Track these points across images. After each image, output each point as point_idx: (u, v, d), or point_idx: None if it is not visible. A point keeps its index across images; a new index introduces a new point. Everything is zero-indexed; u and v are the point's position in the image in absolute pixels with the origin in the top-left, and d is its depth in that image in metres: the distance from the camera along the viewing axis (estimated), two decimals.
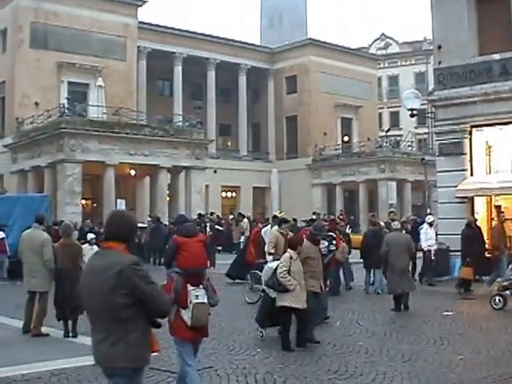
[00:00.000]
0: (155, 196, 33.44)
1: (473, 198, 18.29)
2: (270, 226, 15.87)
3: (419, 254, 17.23)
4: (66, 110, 31.13)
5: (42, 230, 10.98)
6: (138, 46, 41.47)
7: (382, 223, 18.37)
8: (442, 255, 17.56)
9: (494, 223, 17.66)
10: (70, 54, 36.86)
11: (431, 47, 23.97)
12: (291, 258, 9.13)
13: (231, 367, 7.96)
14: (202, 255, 6.44)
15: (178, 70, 45.09)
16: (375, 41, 67.28)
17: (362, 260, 16.63)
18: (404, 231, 16.11)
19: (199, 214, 27.39)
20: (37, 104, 34.79)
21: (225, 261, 22.10)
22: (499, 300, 12.66)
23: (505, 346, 9.12)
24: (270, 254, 12.36)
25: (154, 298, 4.11)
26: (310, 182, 45.79)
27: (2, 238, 18.85)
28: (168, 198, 33.94)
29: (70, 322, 10.10)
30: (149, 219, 28.10)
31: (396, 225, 14.45)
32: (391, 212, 22.49)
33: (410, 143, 46.92)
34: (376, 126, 53.54)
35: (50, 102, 33.85)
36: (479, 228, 16.71)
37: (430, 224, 17.42)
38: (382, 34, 67.77)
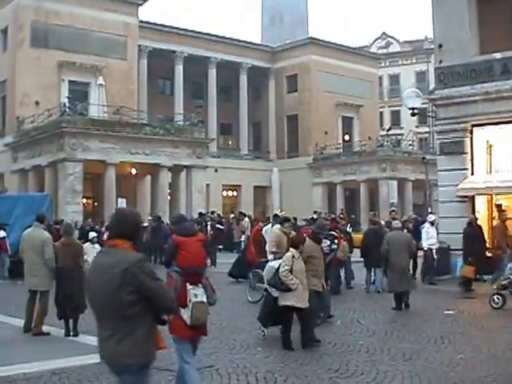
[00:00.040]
0: (156, 195, 33.47)
1: (473, 197, 18.29)
2: (270, 224, 15.88)
3: (420, 253, 17.24)
4: (67, 109, 31.16)
5: (43, 229, 10.98)
6: (139, 45, 41.46)
7: (383, 222, 18.36)
8: (442, 254, 17.57)
9: (494, 222, 17.67)
10: (70, 52, 36.87)
11: (432, 46, 23.93)
12: (293, 257, 9.13)
13: (232, 366, 7.96)
14: (201, 254, 6.46)
15: (179, 69, 45.10)
16: (376, 40, 67.23)
17: (362, 259, 16.64)
18: (406, 230, 16.11)
19: (200, 213, 27.39)
20: (37, 103, 34.82)
21: (226, 260, 22.12)
22: (498, 299, 12.67)
23: (505, 345, 9.11)
24: (273, 252, 12.35)
25: (159, 294, 4.14)
26: (311, 181, 45.79)
27: (3, 237, 18.88)
28: (169, 197, 33.98)
29: (70, 321, 10.11)
30: (150, 218, 28.09)
31: (396, 223, 14.44)
32: (392, 211, 22.49)
33: (410, 142, 46.88)
34: (377, 124, 53.54)
35: (50, 101, 33.89)
36: (480, 227, 16.72)
37: (432, 223, 17.42)
38: (383, 33, 67.72)
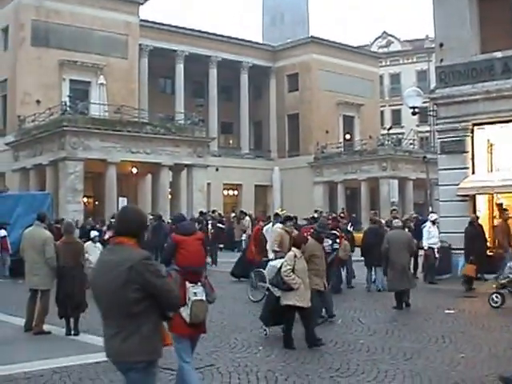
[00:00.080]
0: (157, 194, 33.47)
1: (474, 196, 18.27)
2: (271, 224, 15.89)
3: (421, 252, 17.23)
4: (68, 108, 31.16)
5: (44, 227, 10.98)
6: (140, 44, 41.47)
7: (383, 221, 18.36)
8: (444, 253, 17.56)
9: (496, 221, 17.66)
10: (71, 51, 36.89)
11: (433, 45, 23.94)
12: (295, 256, 9.13)
13: (233, 365, 7.97)
14: (200, 253, 6.48)
15: (180, 68, 45.10)
16: (377, 39, 67.22)
17: (362, 258, 16.64)
18: (407, 229, 16.10)
19: (201, 212, 27.38)
20: (38, 102, 34.83)
21: (226, 259, 22.14)
22: (497, 297, 12.67)
23: (506, 344, 9.11)
24: (275, 251, 12.35)
25: (165, 291, 4.15)
26: (312, 180, 45.78)
27: (4, 236, 18.89)
28: (170, 196, 33.96)
29: (71, 320, 10.12)
30: (150, 217, 28.07)
31: (397, 222, 14.43)
32: (393, 210, 22.45)
33: (411, 141, 46.89)
34: (378, 124, 53.52)
35: (51, 100, 33.89)
36: (481, 226, 16.71)
37: (433, 222, 17.41)
38: (384, 32, 67.69)
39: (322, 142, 46.13)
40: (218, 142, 45.30)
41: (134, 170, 33.53)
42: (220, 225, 27.58)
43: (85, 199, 32.16)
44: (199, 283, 6.17)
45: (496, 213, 18.07)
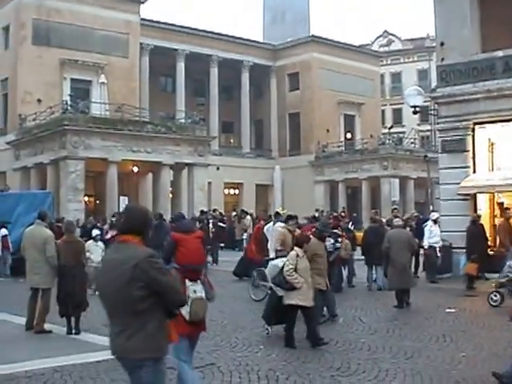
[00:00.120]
0: (158, 193, 33.47)
1: (475, 195, 18.27)
2: (272, 223, 15.88)
3: (422, 251, 17.23)
4: (69, 107, 31.13)
5: (45, 226, 10.98)
6: (141, 43, 41.43)
7: (384, 220, 18.36)
8: (445, 252, 17.55)
9: (497, 220, 17.66)
10: (72, 50, 36.88)
11: (434, 44, 23.96)
12: (298, 255, 9.13)
13: (234, 364, 7.97)
14: (199, 251, 6.49)
15: (181, 67, 45.08)
16: (378, 38, 67.14)
17: (363, 257, 16.64)
18: (408, 228, 16.10)
19: (202, 211, 27.37)
20: (39, 101, 34.82)
21: (227, 258, 22.15)
22: (496, 296, 12.67)
23: (507, 343, 9.10)
24: (277, 250, 12.34)
25: (170, 288, 4.17)
26: (313, 179, 45.76)
27: (5, 235, 18.91)
28: (171, 195, 33.96)
29: (72, 319, 10.13)
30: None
31: (397, 221, 14.44)
32: (394, 209, 22.48)
33: (412, 140, 46.86)
34: (379, 123, 53.47)
35: (52, 99, 33.89)
36: (482, 225, 16.70)
37: (435, 221, 17.41)
38: (385, 31, 67.62)
39: (322, 141, 46.11)
40: (218, 141, 45.30)
41: (135, 169, 33.53)
42: (221, 224, 27.60)
43: (86, 198, 32.17)
44: (199, 281, 6.19)
45: (497, 212, 18.07)
